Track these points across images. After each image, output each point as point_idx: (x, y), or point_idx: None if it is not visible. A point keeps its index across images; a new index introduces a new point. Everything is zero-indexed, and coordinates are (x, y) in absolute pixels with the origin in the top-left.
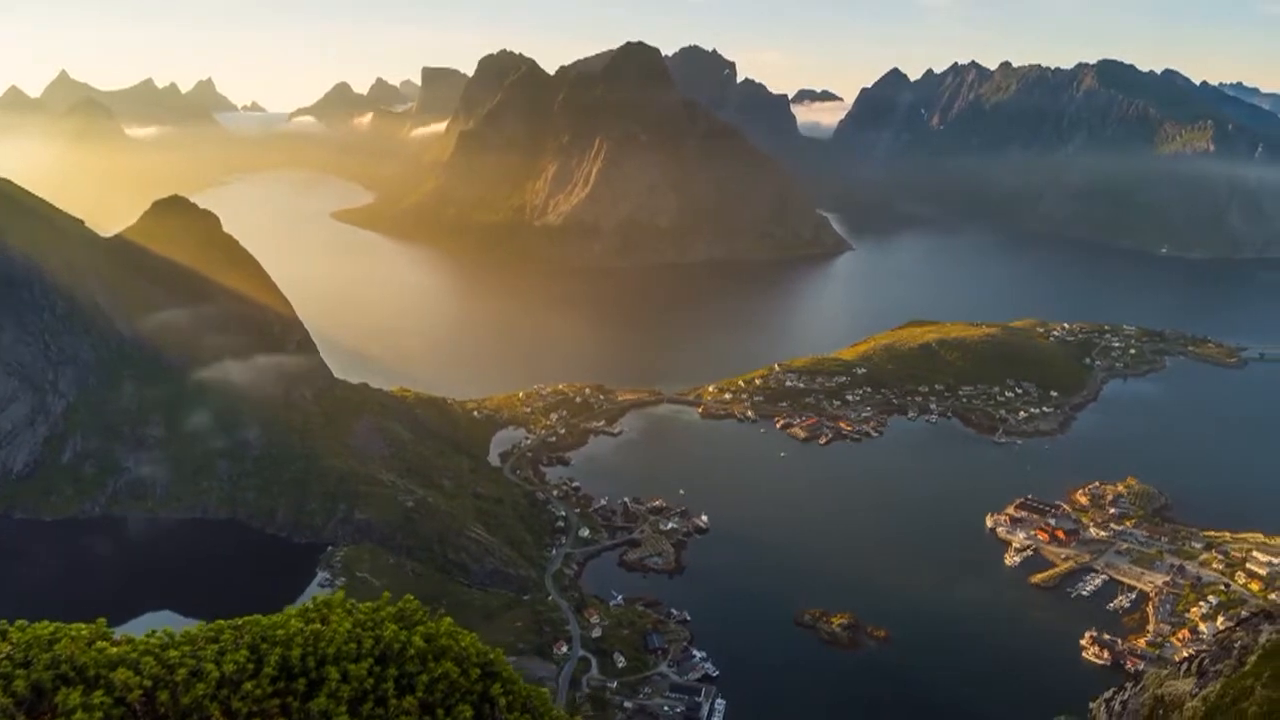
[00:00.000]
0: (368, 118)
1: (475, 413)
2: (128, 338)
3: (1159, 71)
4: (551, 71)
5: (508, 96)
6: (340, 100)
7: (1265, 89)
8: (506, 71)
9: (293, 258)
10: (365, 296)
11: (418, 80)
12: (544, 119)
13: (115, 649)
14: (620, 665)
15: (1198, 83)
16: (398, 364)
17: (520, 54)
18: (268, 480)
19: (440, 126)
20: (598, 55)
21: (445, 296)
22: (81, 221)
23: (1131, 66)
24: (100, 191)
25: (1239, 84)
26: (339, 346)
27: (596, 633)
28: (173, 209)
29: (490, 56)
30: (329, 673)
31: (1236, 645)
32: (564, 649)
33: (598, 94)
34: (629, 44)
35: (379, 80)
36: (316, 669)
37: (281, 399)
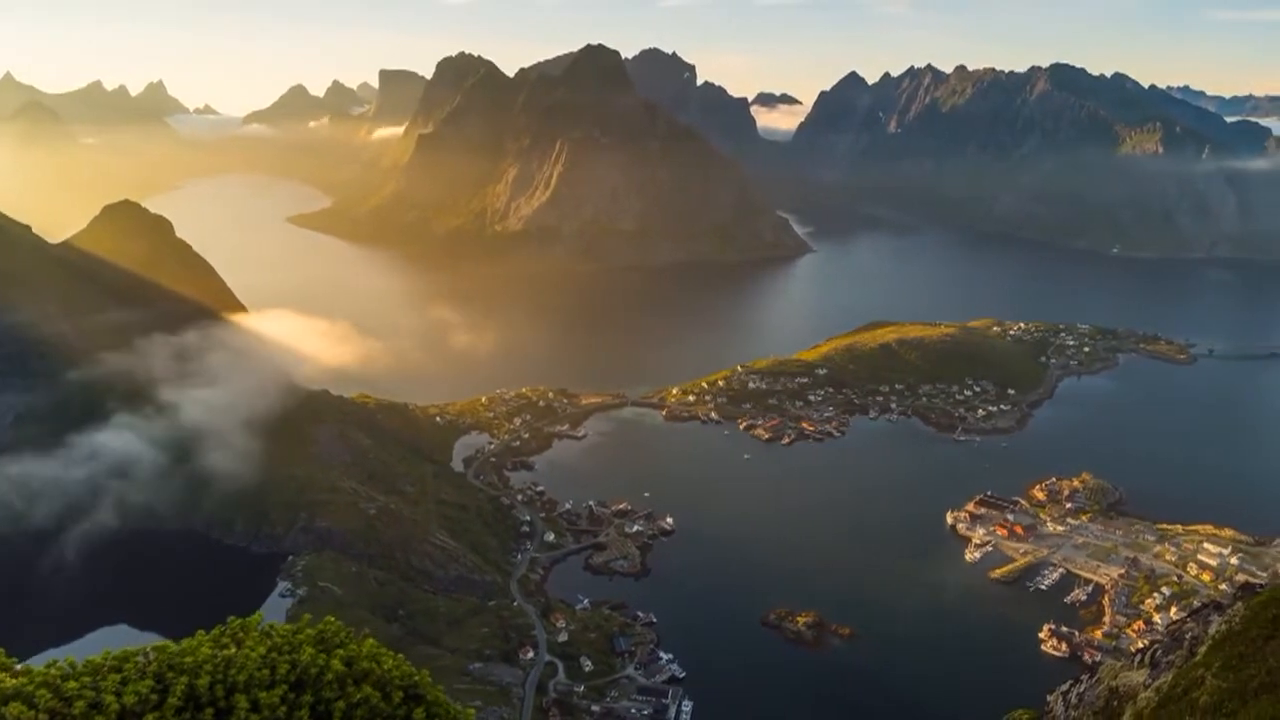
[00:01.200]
0: (324, 120)
1: (438, 418)
2: (77, 346)
3: (1109, 75)
4: (511, 74)
5: (467, 99)
6: (296, 103)
7: (1211, 92)
8: (465, 74)
9: (249, 263)
10: (323, 302)
11: (375, 83)
12: (504, 122)
13: (12, 681)
14: (587, 669)
15: (1146, 86)
16: (358, 370)
17: (479, 56)
18: (225, 490)
19: (399, 130)
20: (558, 58)
21: (405, 301)
22: (29, 227)
23: (1083, 70)
24: (48, 197)
25: (1186, 87)
26: (298, 352)
27: (563, 637)
28: (124, 214)
29: (449, 59)
30: (238, 701)
31: (1187, 636)
32: (530, 654)
33: (558, 96)
34: (589, 46)
35: (335, 83)
36: (225, 698)
37: (239, 407)
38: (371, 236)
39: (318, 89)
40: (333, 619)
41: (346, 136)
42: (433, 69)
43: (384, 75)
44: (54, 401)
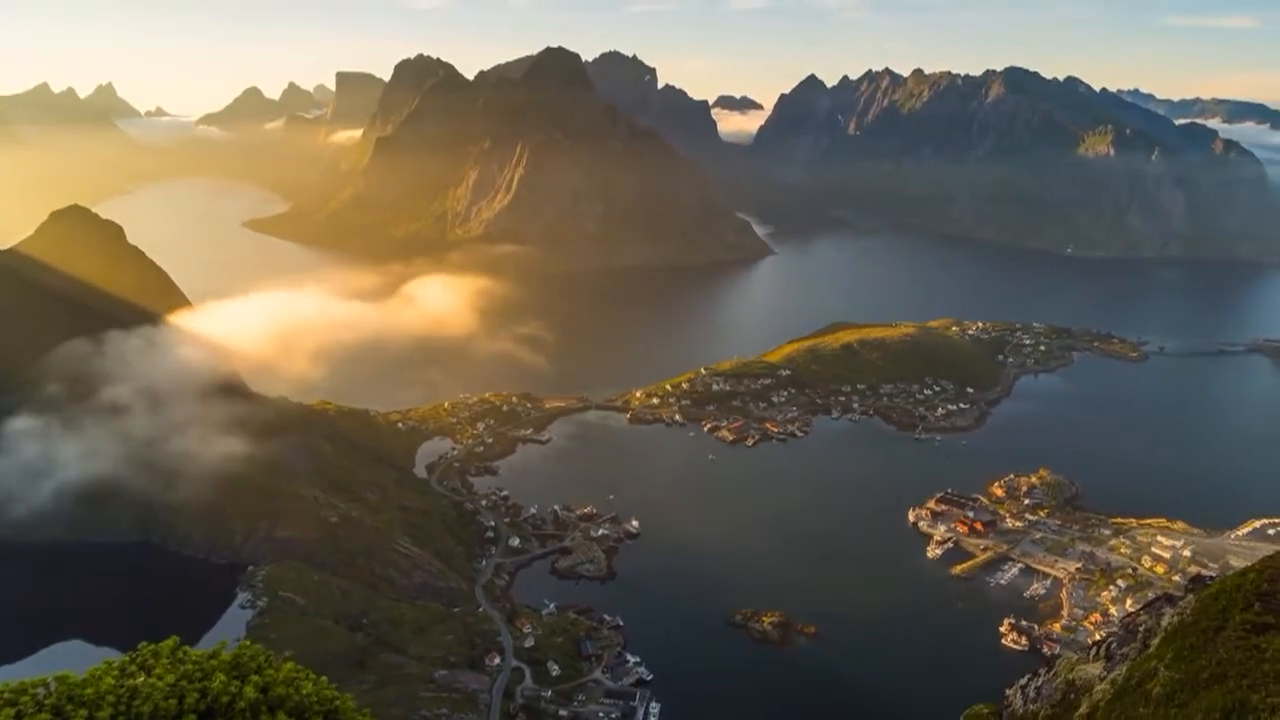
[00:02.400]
0: (280, 123)
1: (399, 424)
2: (22, 355)
3: (1062, 79)
4: (470, 76)
5: (426, 102)
6: (250, 105)
7: (1160, 95)
8: (424, 76)
9: (204, 269)
10: (278, 307)
11: (331, 85)
12: (464, 124)
13: None
14: (554, 674)
15: (1098, 89)
16: (318, 376)
17: (438, 59)
18: (183, 500)
19: (356, 133)
20: (518, 60)
21: (365, 306)
22: None
23: (1036, 74)
24: None
25: (1136, 90)
26: (257, 359)
27: (529, 642)
28: (72, 219)
29: (407, 61)
30: None
31: (1141, 629)
32: (496, 660)
33: (518, 99)
34: (549, 49)
35: (291, 85)
36: None
37: (196, 415)
38: (330, 241)
39: (273, 91)
40: (249, 642)
41: (303, 140)
42: (390, 71)
43: (341, 77)
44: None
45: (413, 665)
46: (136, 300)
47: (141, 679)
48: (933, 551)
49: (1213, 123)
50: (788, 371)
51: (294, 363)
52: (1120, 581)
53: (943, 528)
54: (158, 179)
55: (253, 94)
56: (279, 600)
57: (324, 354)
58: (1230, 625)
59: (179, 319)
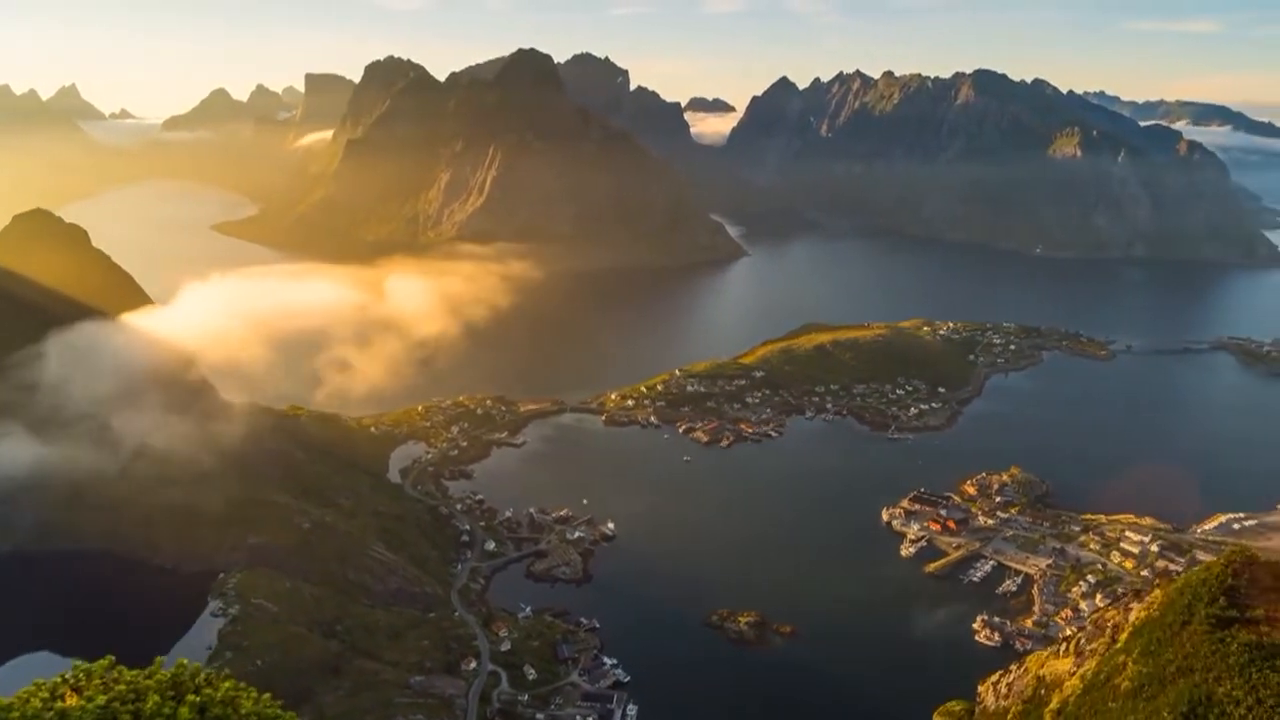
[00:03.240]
0: (249, 125)
1: (372, 429)
2: None
3: (1030, 81)
4: (442, 78)
5: (397, 103)
6: (218, 107)
7: (1125, 97)
8: (394, 78)
9: (172, 273)
10: (249, 312)
11: (300, 87)
12: (435, 126)
13: None
14: (531, 677)
15: (1065, 92)
16: (289, 382)
17: (408, 60)
18: (151, 508)
19: (326, 135)
20: (489, 62)
21: (337, 309)
22: None
23: (1004, 76)
24: None
25: (1101, 93)
26: (225, 365)
27: (505, 646)
28: (35, 223)
29: (377, 63)
30: None
31: (1109, 624)
32: (473, 665)
33: (490, 101)
34: (521, 50)
35: (259, 87)
36: None
37: (163, 422)
38: (300, 244)
39: (241, 93)
40: (186, 661)
41: (272, 142)
42: (360, 73)
43: (310, 79)
44: None
45: (388, 671)
46: (102, 304)
47: (72, 700)
48: (906, 550)
49: (1177, 125)
50: (762, 372)
51: (262, 368)
52: (1090, 577)
53: (916, 526)
54: (123, 182)
55: (220, 96)
56: (251, 608)
57: (292, 358)
58: (1196, 620)
59: (145, 323)
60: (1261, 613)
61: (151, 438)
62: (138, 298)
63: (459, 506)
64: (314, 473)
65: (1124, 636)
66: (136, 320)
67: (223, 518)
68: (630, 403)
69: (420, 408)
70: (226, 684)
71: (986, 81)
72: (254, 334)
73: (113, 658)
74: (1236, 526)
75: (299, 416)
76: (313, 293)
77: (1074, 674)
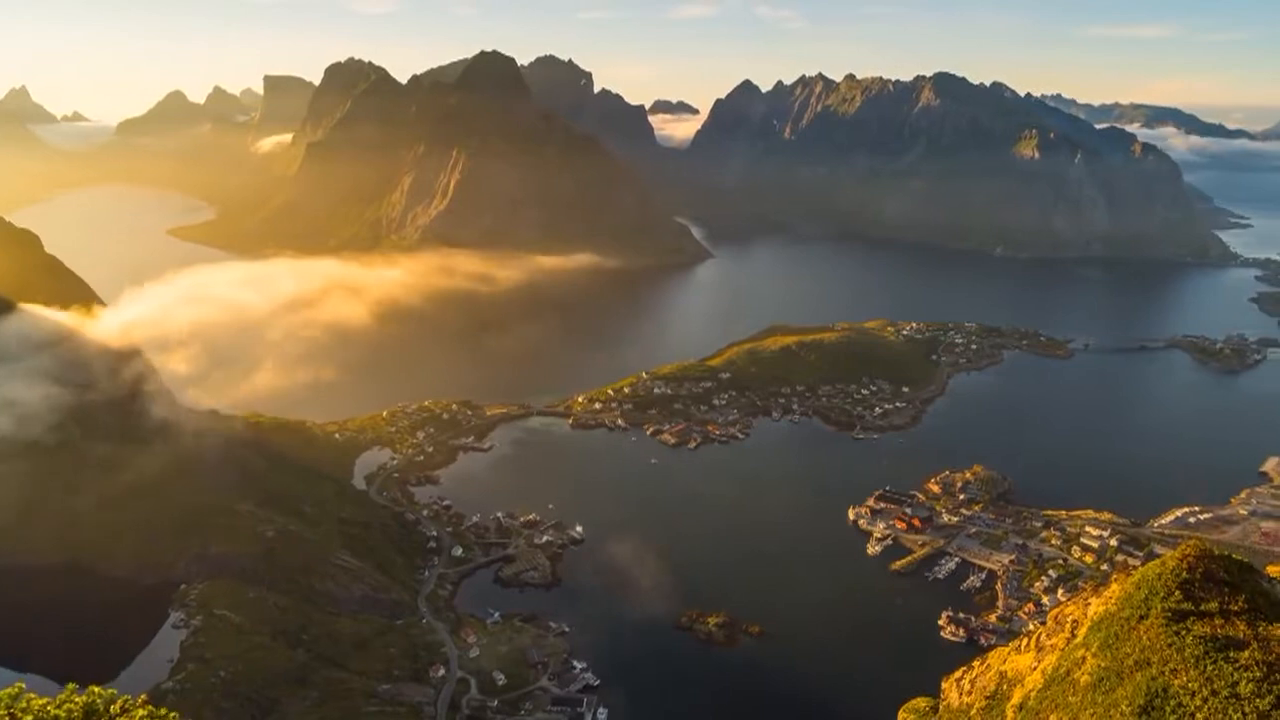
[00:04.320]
0: (206, 128)
1: (336, 435)
2: None
3: (988, 84)
4: (403, 80)
5: (358, 106)
6: (175, 110)
7: (1081, 100)
8: (355, 80)
9: (126, 278)
10: (209, 319)
11: (259, 89)
12: (397, 129)
13: None
14: (500, 683)
15: (1023, 94)
16: (249, 388)
17: (369, 62)
18: (108, 520)
19: (286, 137)
20: (452, 64)
21: (298, 315)
22: None
23: (964, 79)
24: None
25: (1058, 95)
26: (183, 373)
27: (474, 652)
28: None
29: (338, 64)
30: None
31: (1069, 619)
32: (441, 672)
33: (453, 103)
34: (483, 53)
35: (217, 89)
36: None
37: (121, 432)
38: (260, 248)
39: (198, 95)
40: (99, 688)
41: (230, 145)
42: (320, 75)
43: (269, 81)
44: None
45: (355, 680)
46: (52, 310)
47: None
48: (872, 548)
49: (1132, 127)
50: (728, 374)
51: (220, 374)
52: (1052, 572)
53: (882, 525)
54: (76, 186)
55: (176, 98)
56: (214, 619)
57: (254, 365)
58: (1152, 614)
59: (101, 330)
60: (1215, 605)
61: (107, 446)
62: (90, 303)
63: (426, 512)
64: (277, 480)
65: (1083, 631)
66: (90, 326)
67: (182, 528)
68: (597, 406)
69: (385, 413)
70: (142, 712)
71: (946, 84)
72: (211, 339)
73: (23, 685)
74: (1192, 520)
75: (260, 423)
76: (267, 293)
77: (1035, 669)
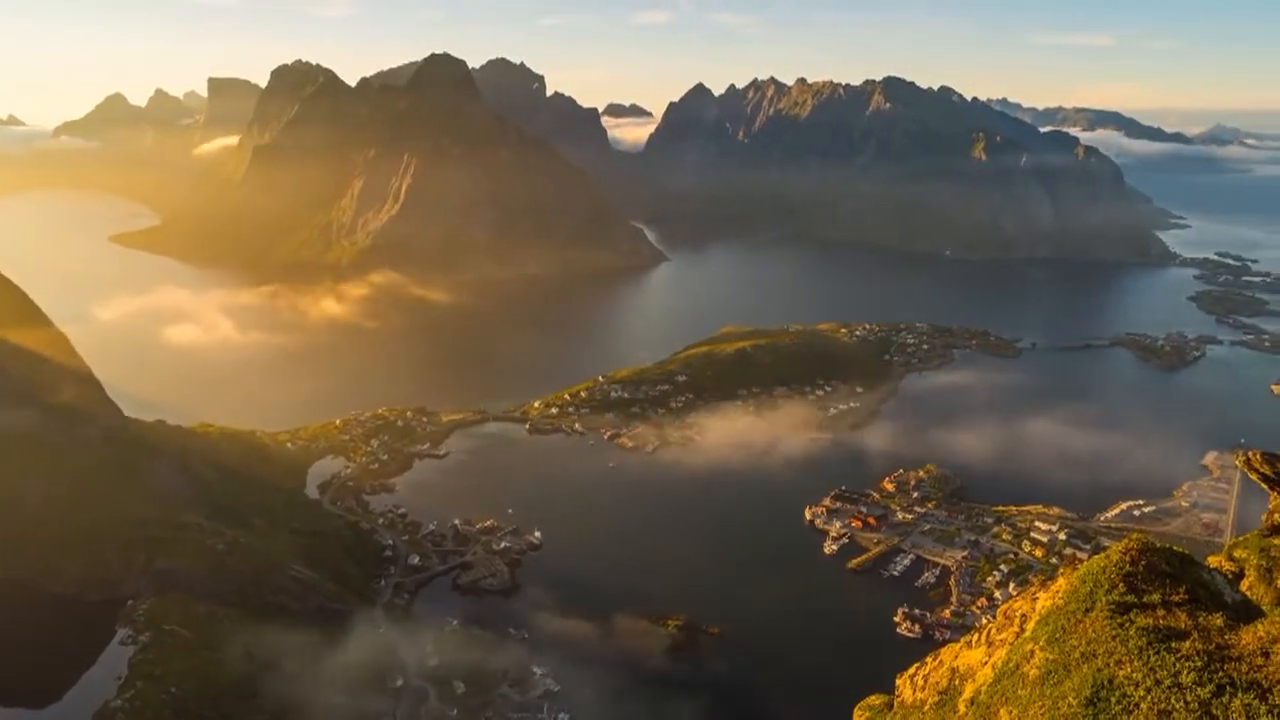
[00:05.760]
0: (148, 131)
1: (288, 444)
2: None
3: (936, 88)
4: (353, 83)
5: (306, 109)
6: (115, 113)
7: (1026, 104)
8: (303, 83)
9: (66, 286)
10: (154, 326)
11: (203, 91)
12: (347, 133)
13: None
14: (460, 691)
15: (970, 99)
16: (198, 398)
17: (318, 64)
18: (51, 534)
19: (232, 141)
20: (402, 66)
21: (247, 322)
22: None
23: (912, 84)
24: None
25: (1004, 100)
26: (128, 382)
27: (433, 661)
28: None
29: (284, 66)
30: None
31: (1018, 614)
32: (399, 682)
33: (404, 106)
34: (434, 55)
35: (159, 91)
36: None
37: (63, 443)
38: (206, 254)
39: (139, 98)
40: None
41: (174, 149)
42: (266, 77)
43: (213, 83)
44: None
45: (311, 693)
46: None
47: None
48: (829, 547)
49: (1075, 130)
50: (684, 377)
51: (170, 384)
52: (1003, 566)
53: (838, 523)
54: (12, 191)
55: (117, 101)
56: (163, 634)
57: (202, 374)
58: (1097, 607)
59: (38, 339)
60: (1158, 597)
61: (48, 458)
62: (28, 311)
63: (381, 521)
64: (226, 491)
65: (1031, 625)
66: (31, 337)
67: (129, 542)
68: (554, 410)
69: (338, 421)
70: None
71: (896, 88)
72: (158, 350)
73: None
74: (1137, 513)
75: (209, 433)
76: (219, 304)
77: (985, 664)
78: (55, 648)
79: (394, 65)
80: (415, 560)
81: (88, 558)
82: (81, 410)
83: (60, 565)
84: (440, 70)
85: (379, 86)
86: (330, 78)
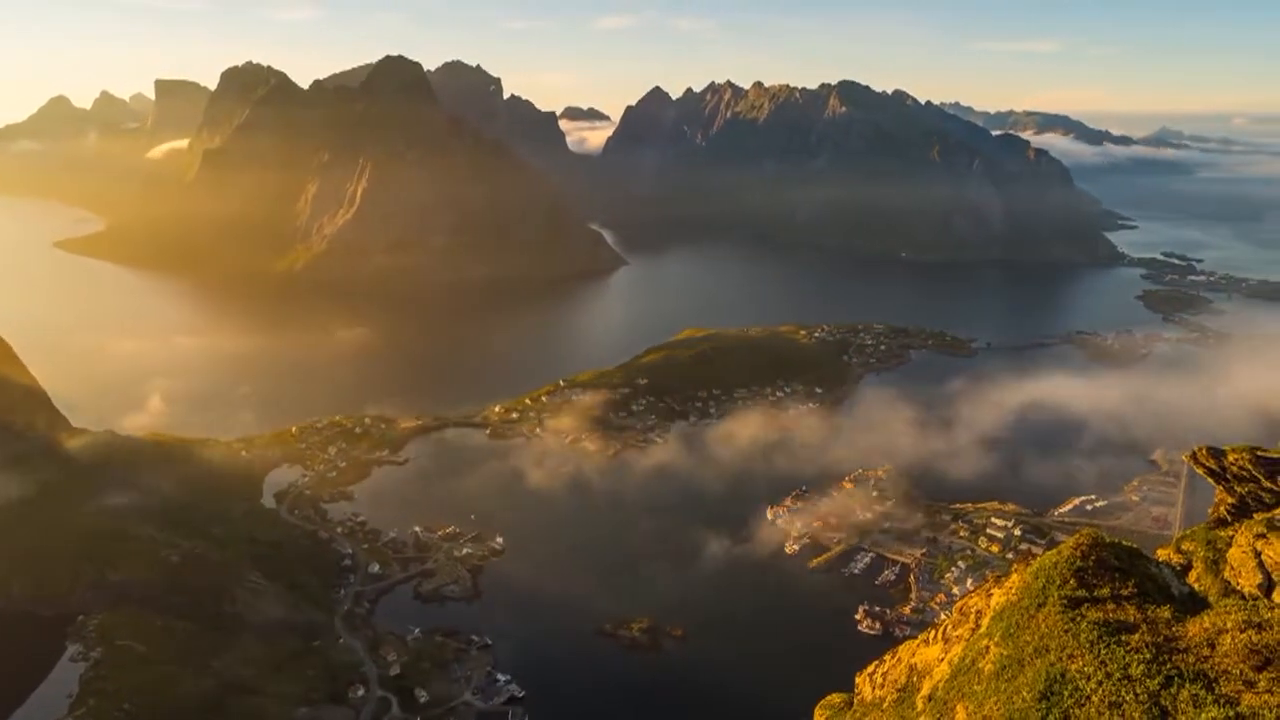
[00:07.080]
0: (92, 135)
1: (243, 453)
2: None
3: (890, 92)
4: (305, 86)
5: (257, 112)
6: (58, 116)
7: (978, 108)
8: (254, 85)
9: (9, 294)
10: (102, 335)
11: (150, 93)
12: (300, 136)
13: None
14: (423, 700)
15: (923, 102)
16: (148, 407)
17: (269, 66)
18: None
19: (181, 144)
20: (356, 69)
21: (197, 330)
22: None
23: (867, 87)
24: None
25: (956, 104)
26: (75, 392)
27: (395, 670)
28: None
29: (235, 69)
30: None
31: (973, 610)
32: (361, 692)
33: (358, 110)
34: (388, 57)
35: (104, 93)
36: None
37: (7, 456)
38: (155, 261)
39: (84, 100)
40: None
41: (120, 152)
42: (216, 79)
43: (160, 85)
44: None
45: (272, 705)
46: None
47: None
48: (791, 547)
49: (1025, 134)
50: (645, 380)
51: (118, 393)
52: (961, 563)
53: (799, 523)
54: None
55: (60, 103)
56: (116, 649)
57: (150, 383)
58: (1049, 602)
59: None
60: (1108, 591)
61: None
62: None
63: (340, 530)
64: (180, 501)
65: (986, 621)
66: None
67: (79, 554)
68: (515, 415)
69: (294, 429)
70: None
71: (851, 92)
72: (105, 359)
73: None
74: (1089, 508)
75: (162, 443)
76: (168, 311)
77: (942, 660)
78: (4, 663)
79: (347, 68)
80: (375, 569)
81: (36, 573)
82: (26, 422)
83: (6, 580)
84: (394, 73)
85: (332, 89)
86: (282, 80)
